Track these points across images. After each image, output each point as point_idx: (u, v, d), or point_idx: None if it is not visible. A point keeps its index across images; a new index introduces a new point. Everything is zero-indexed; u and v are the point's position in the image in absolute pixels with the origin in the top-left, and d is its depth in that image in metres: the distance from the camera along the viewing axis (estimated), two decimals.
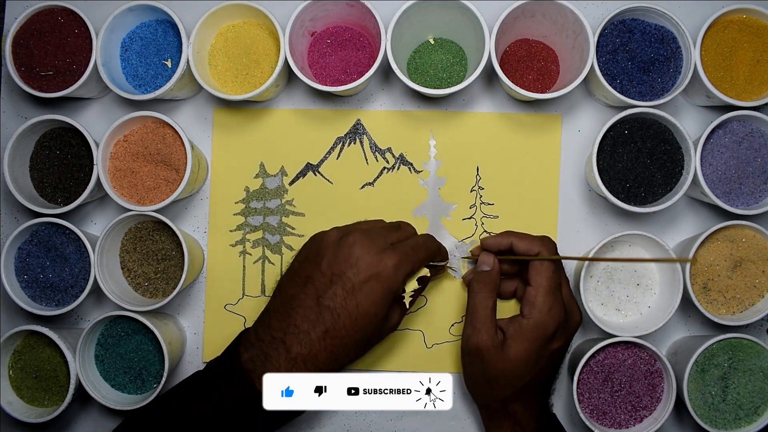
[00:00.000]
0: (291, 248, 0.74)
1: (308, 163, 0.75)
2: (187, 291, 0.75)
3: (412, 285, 0.64)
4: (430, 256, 0.66)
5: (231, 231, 0.75)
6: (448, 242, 0.73)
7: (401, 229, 0.67)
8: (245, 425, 0.59)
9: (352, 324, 0.59)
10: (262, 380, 0.58)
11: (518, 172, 0.74)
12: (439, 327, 0.73)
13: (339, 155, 0.75)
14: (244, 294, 0.74)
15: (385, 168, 0.75)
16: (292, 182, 0.75)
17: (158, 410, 0.63)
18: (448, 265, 0.71)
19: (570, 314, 0.66)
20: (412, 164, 0.75)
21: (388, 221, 0.70)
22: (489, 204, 0.74)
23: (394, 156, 0.75)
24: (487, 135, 0.74)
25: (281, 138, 0.75)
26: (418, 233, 0.70)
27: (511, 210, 0.74)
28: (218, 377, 0.61)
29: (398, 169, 0.75)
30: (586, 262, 0.68)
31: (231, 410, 0.59)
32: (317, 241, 0.64)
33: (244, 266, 0.75)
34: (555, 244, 0.67)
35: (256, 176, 0.75)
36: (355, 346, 0.61)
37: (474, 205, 0.74)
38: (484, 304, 0.65)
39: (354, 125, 0.75)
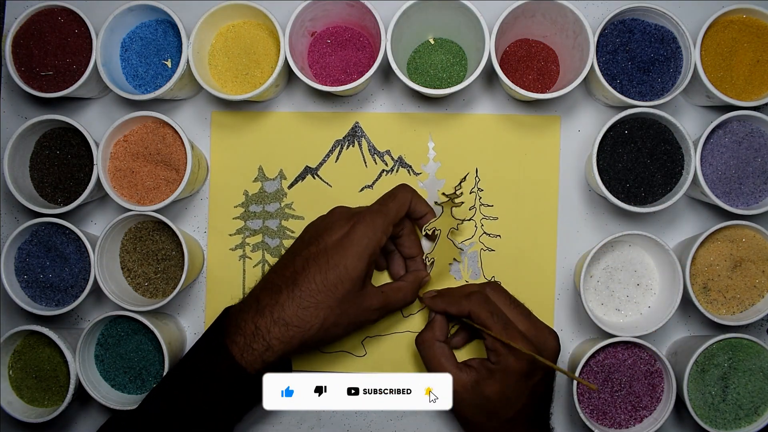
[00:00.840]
0: None
1: (307, 166, 0.75)
2: (187, 291, 0.75)
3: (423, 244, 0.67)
4: (401, 205, 0.65)
5: (230, 235, 0.75)
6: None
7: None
8: (233, 397, 0.59)
9: (321, 279, 0.60)
10: (234, 346, 0.59)
11: (517, 173, 0.74)
12: None
13: (338, 158, 0.75)
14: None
15: (384, 170, 0.75)
16: (291, 186, 0.75)
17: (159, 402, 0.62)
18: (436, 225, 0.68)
19: (541, 344, 0.64)
20: (411, 166, 0.75)
21: None
22: (488, 206, 0.74)
23: (392, 158, 0.75)
24: (486, 137, 0.74)
25: (280, 141, 0.75)
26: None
27: (511, 211, 0.74)
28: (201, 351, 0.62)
29: (397, 171, 0.75)
30: (587, 262, 0.68)
31: (213, 380, 0.59)
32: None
33: (244, 270, 0.75)
34: (486, 291, 0.65)
35: (255, 180, 0.75)
36: (325, 306, 0.60)
37: (474, 206, 0.74)
38: (431, 352, 0.65)
39: (352, 128, 0.75)
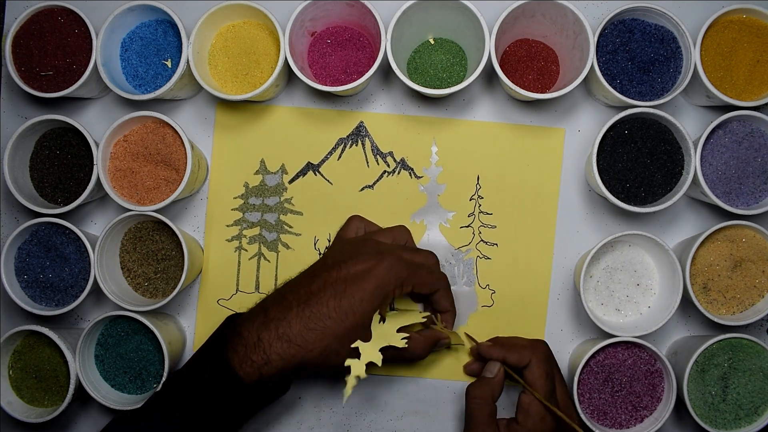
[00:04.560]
0: (287, 246, 0.74)
1: (309, 162, 0.75)
2: (186, 291, 0.75)
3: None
4: (430, 280, 0.65)
5: (228, 226, 0.75)
6: (444, 250, 0.73)
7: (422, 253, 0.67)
8: (227, 406, 0.58)
9: (334, 305, 0.59)
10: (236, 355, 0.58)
11: (519, 183, 0.74)
12: None
13: (340, 156, 0.75)
14: (237, 290, 0.74)
15: (385, 171, 0.75)
16: (291, 181, 0.75)
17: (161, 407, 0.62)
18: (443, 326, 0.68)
19: (569, 418, 0.64)
20: (412, 169, 0.75)
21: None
22: (488, 213, 0.74)
23: (395, 160, 0.75)
24: (490, 145, 0.74)
25: (283, 136, 0.75)
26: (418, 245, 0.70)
27: (509, 221, 0.74)
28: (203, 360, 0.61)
29: (399, 173, 0.75)
30: (587, 262, 0.68)
31: (211, 391, 0.58)
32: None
33: (239, 262, 0.75)
34: (546, 347, 0.67)
35: (257, 173, 0.75)
36: (330, 332, 0.59)
37: (473, 213, 0.74)
38: (481, 411, 0.64)
39: (357, 127, 0.75)
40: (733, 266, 0.69)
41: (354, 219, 0.70)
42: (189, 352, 0.75)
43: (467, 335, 0.72)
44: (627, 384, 0.69)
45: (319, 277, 0.61)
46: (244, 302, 0.74)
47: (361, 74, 0.68)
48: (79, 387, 0.69)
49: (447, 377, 0.73)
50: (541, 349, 0.66)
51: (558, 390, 0.65)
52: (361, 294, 0.59)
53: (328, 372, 0.66)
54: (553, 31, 0.70)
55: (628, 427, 0.69)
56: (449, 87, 0.69)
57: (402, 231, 0.68)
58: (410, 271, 0.62)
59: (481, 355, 0.69)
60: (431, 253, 0.67)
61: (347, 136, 0.75)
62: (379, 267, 0.60)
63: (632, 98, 0.67)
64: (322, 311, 0.59)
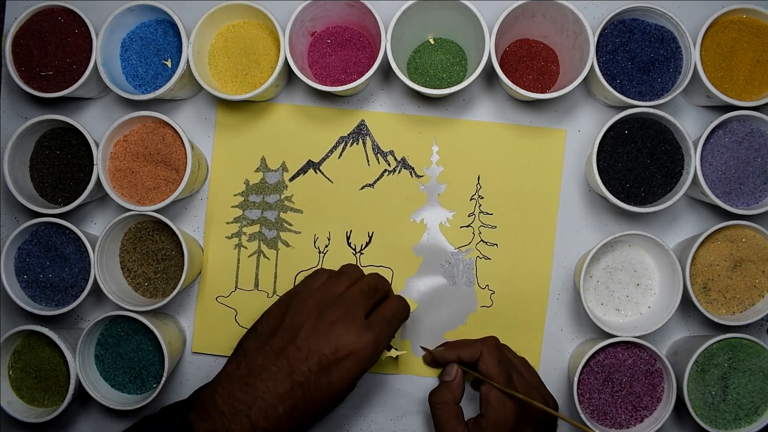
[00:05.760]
0: (287, 244, 0.74)
1: (310, 160, 0.75)
2: (186, 291, 0.75)
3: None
4: (401, 322, 0.66)
5: (228, 223, 0.75)
6: (444, 249, 0.73)
7: (346, 274, 0.66)
8: None
9: (321, 399, 0.58)
10: None
11: (519, 184, 0.74)
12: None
13: (341, 154, 0.75)
14: (236, 287, 0.74)
15: (386, 170, 0.75)
16: (292, 178, 0.75)
17: None
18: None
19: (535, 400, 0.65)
20: (413, 168, 0.75)
21: (329, 269, 0.69)
22: (488, 214, 0.74)
23: (396, 159, 0.75)
24: (491, 145, 0.74)
25: (284, 134, 0.75)
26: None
27: (510, 221, 0.74)
28: None
29: (399, 172, 0.75)
30: (587, 262, 0.68)
31: None
32: (293, 310, 0.61)
33: (238, 259, 0.75)
34: (495, 338, 0.70)
35: (257, 170, 0.75)
36: (317, 417, 0.59)
37: (473, 213, 0.74)
38: (447, 414, 0.66)
39: (358, 125, 0.75)
40: (733, 266, 0.69)
41: (324, 273, 0.67)
42: (189, 352, 0.75)
43: (422, 347, 0.73)
44: (627, 384, 0.69)
45: (299, 372, 0.58)
46: (243, 299, 0.74)
47: (361, 74, 0.68)
48: (79, 387, 0.69)
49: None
50: (490, 341, 0.69)
51: (515, 376, 0.66)
52: (349, 378, 0.59)
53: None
54: (553, 31, 0.70)
55: (628, 427, 0.69)
56: (449, 87, 0.69)
57: (356, 270, 0.67)
58: (388, 335, 0.62)
59: (436, 362, 0.71)
60: (352, 269, 0.67)
61: (348, 135, 0.75)
62: (364, 349, 0.59)
63: (632, 98, 0.67)
64: (309, 409, 0.58)
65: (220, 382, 0.59)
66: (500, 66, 0.67)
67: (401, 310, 0.66)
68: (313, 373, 0.58)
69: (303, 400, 0.57)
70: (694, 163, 0.67)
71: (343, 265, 0.69)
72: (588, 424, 0.67)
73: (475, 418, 0.66)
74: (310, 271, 0.74)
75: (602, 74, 0.68)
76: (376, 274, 0.68)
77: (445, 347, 0.70)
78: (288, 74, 0.74)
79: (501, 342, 0.71)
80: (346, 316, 0.60)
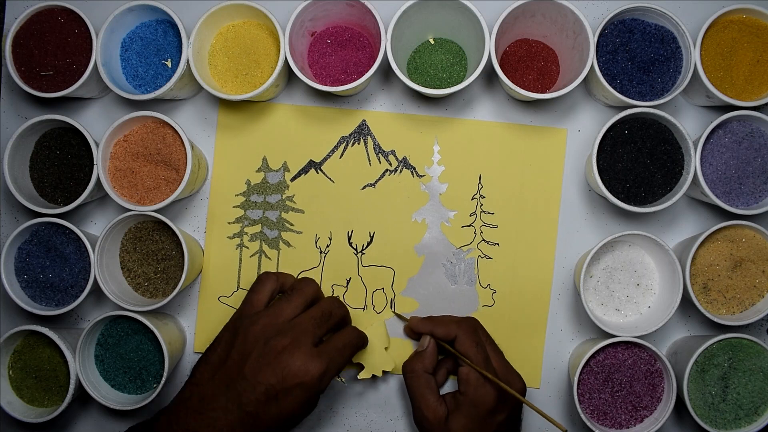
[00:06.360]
0: (288, 244, 0.74)
1: (311, 160, 0.75)
2: (186, 291, 0.75)
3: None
4: (355, 351, 0.66)
5: (229, 223, 0.75)
6: (446, 249, 0.73)
7: (299, 292, 0.65)
8: None
9: (274, 426, 0.59)
10: None
11: (520, 184, 0.74)
12: None
13: (342, 154, 0.75)
14: (239, 287, 0.74)
15: (387, 170, 0.75)
16: (293, 178, 0.75)
17: None
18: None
19: (509, 384, 0.65)
20: (414, 168, 0.75)
21: (291, 277, 0.69)
22: (489, 213, 0.74)
23: (397, 159, 0.75)
24: (492, 145, 0.74)
25: (286, 134, 0.75)
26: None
27: (511, 221, 0.74)
28: None
29: (401, 172, 0.75)
30: (587, 262, 0.68)
31: None
32: (241, 336, 0.62)
33: (240, 259, 0.75)
34: (474, 321, 0.70)
35: (259, 170, 0.75)
36: None
37: (474, 213, 0.74)
38: (417, 382, 0.67)
39: (359, 125, 0.75)
40: (733, 266, 0.69)
41: (267, 281, 0.67)
42: (189, 352, 0.75)
43: (397, 314, 0.73)
44: (627, 384, 0.69)
45: (248, 402, 0.59)
46: None
47: (361, 74, 0.68)
48: (79, 387, 0.69)
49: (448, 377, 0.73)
50: (468, 322, 0.69)
51: (493, 359, 0.67)
52: (299, 404, 0.60)
53: None
54: (553, 31, 0.70)
55: (628, 427, 0.69)
56: (449, 87, 0.69)
57: (311, 286, 0.67)
58: (338, 364, 0.62)
59: (413, 332, 0.71)
60: (307, 283, 0.67)
61: (349, 135, 0.75)
62: (312, 379, 0.59)
63: (632, 98, 0.67)
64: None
65: (175, 410, 0.60)
66: (500, 66, 0.67)
67: (355, 340, 0.65)
68: (261, 403, 0.58)
69: (254, 427, 0.59)
70: (694, 163, 0.67)
71: (298, 280, 0.69)
72: (557, 420, 0.66)
73: (453, 393, 0.67)
74: (311, 272, 0.74)
75: (602, 74, 0.68)
76: (334, 299, 0.67)
77: (422, 319, 0.71)
78: (288, 74, 0.74)
79: (480, 324, 0.70)
80: (292, 344, 0.60)
